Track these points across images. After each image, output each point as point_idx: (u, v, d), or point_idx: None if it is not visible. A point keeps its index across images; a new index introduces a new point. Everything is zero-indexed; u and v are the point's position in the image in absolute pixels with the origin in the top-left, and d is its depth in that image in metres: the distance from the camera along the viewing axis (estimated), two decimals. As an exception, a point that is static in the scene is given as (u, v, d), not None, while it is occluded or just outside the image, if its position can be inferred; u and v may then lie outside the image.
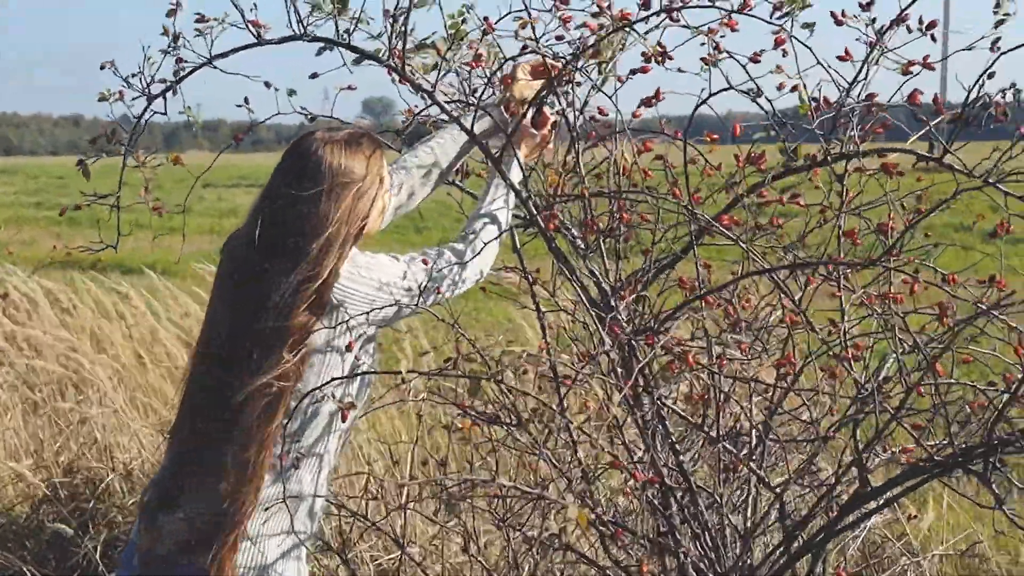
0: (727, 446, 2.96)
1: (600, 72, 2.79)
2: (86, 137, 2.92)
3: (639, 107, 2.83)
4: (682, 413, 3.06)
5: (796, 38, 2.56)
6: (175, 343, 6.89)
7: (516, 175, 2.85)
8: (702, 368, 2.92)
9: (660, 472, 2.81)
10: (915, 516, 4.38)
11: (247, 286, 2.54)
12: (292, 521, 2.57)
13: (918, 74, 2.56)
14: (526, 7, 2.72)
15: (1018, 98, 2.48)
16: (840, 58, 2.59)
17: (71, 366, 6.59)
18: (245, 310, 2.51)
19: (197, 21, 2.77)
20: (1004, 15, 2.47)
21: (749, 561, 2.95)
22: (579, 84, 2.89)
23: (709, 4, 2.57)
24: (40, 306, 7.29)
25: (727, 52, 2.62)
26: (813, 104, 2.62)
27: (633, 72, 2.80)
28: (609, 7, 2.71)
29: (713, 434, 2.95)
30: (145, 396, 6.36)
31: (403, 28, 2.76)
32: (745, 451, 3.01)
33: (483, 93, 2.92)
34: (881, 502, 2.76)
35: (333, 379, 2.54)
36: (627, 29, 2.66)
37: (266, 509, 2.53)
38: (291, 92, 2.92)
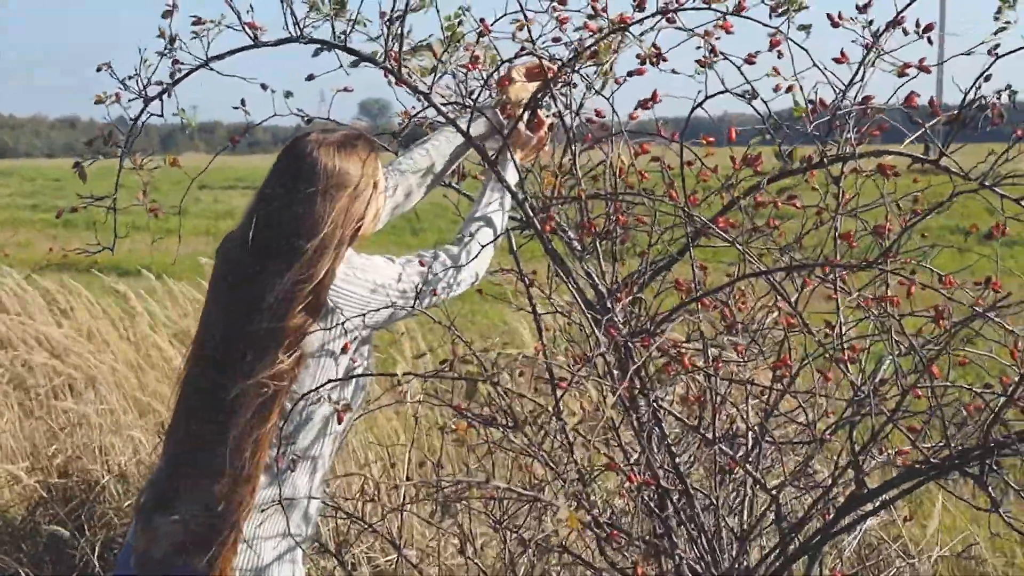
0: (723, 448, 2.96)
1: (600, 74, 2.79)
2: (83, 139, 2.91)
3: (636, 109, 2.83)
4: (678, 415, 3.06)
5: (792, 40, 2.57)
6: (172, 344, 6.88)
7: (512, 177, 2.86)
8: (698, 370, 2.92)
9: (656, 474, 2.81)
10: (910, 518, 4.38)
11: (241, 288, 2.54)
12: (284, 526, 2.57)
13: (915, 77, 2.56)
14: (522, 9, 2.72)
15: (1014, 100, 2.48)
16: (836, 60, 2.60)
17: (67, 368, 6.59)
18: (239, 312, 2.51)
19: (193, 23, 2.77)
20: (1005, 23, 2.48)
21: (745, 563, 2.95)
22: (575, 86, 2.89)
23: (705, 6, 2.57)
24: (36, 308, 7.28)
25: (722, 54, 2.63)
26: (809, 106, 2.62)
27: (631, 74, 2.80)
28: (605, 9, 2.71)
29: (709, 436, 2.95)
30: (145, 396, 6.35)
31: (400, 30, 2.76)
32: (741, 453, 3.01)
33: (479, 95, 2.92)
34: (877, 504, 2.76)
35: (329, 381, 2.53)
36: (625, 31, 2.66)
37: (262, 511, 2.53)
38: (288, 94, 2.92)
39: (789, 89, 2.61)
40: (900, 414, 2.63)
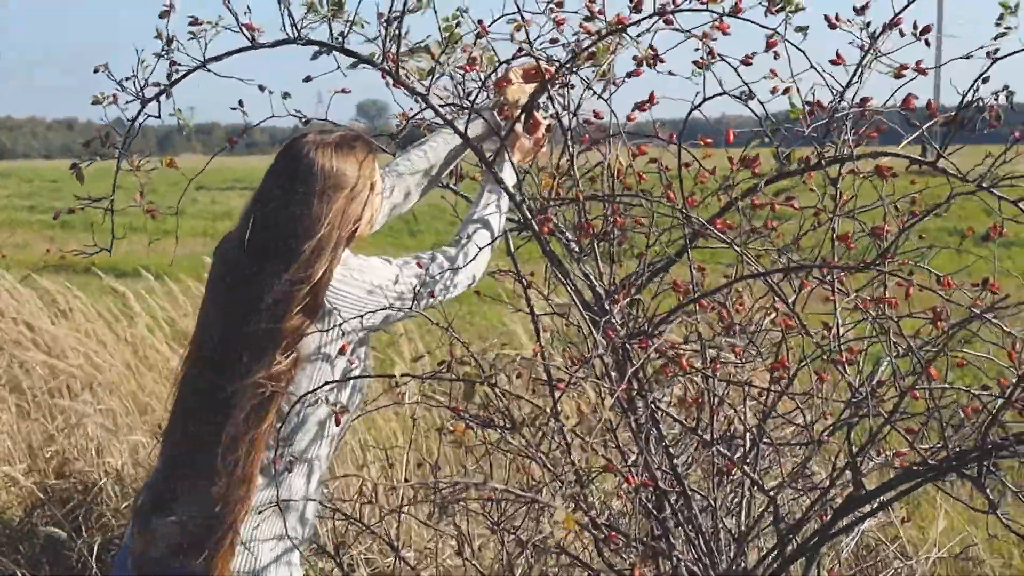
0: (721, 449, 2.96)
1: (602, 76, 2.79)
2: (80, 140, 2.91)
3: (633, 111, 2.83)
4: (676, 416, 3.06)
5: (789, 41, 2.57)
6: (170, 345, 6.88)
7: (510, 178, 2.85)
8: (696, 372, 2.92)
9: (654, 475, 2.80)
10: (907, 520, 4.37)
11: (239, 289, 2.54)
12: (281, 528, 2.57)
13: (913, 79, 2.56)
14: (519, 10, 2.72)
15: (1011, 102, 2.48)
16: (833, 62, 2.60)
17: (64, 369, 6.58)
18: (237, 313, 2.51)
19: (191, 24, 2.76)
20: (1006, 28, 2.48)
21: (743, 565, 2.95)
22: (572, 87, 2.89)
23: (702, 7, 2.57)
24: (33, 309, 7.27)
25: (719, 56, 2.63)
26: (806, 108, 2.62)
27: (629, 75, 2.80)
28: (601, 11, 2.71)
29: (707, 437, 2.95)
30: (143, 397, 6.35)
31: (397, 32, 2.76)
32: (739, 454, 3.01)
33: (477, 96, 2.92)
34: (875, 506, 2.76)
35: (326, 383, 2.53)
36: (622, 33, 2.66)
37: (259, 513, 2.53)
38: (285, 95, 2.92)
39: (786, 91, 2.61)
40: (898, 416, 2.63)
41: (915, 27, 2.54)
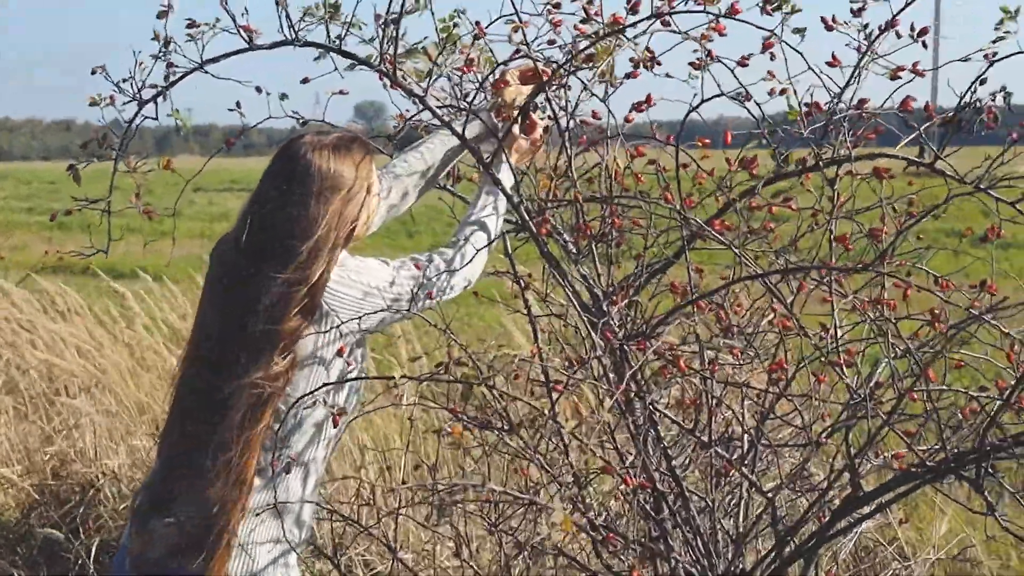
0: (719, 451, 2.96)
1: (602, 76, 2.79)
2: (78, 142, 2.90)
3: (631, 112, 2.83)
4: (674, 418, 3.06)
5: (787, 43, 2.56)
6: (168, 347, 6.87)
7: (507, 180, 2.85)
8: (694, 373, 2.92)
9: (652, 477, 2.80)
10: (905, 521, 4.38)
11: (236, 290, 2.54)
12: (278, 530, 2.57)
13: (910, 81, 2.56)
14: (516, 11, 2.72)
15: (1009, 103, 2.48)
16: (829, 64, 2.60)
17: (62, 370, 6.58)
18: (234, 314, 2.51)
19: (188, 26, 2.76)
20: (1005, 32, 2.48)
21: (741, 566, 2.94)
22: (569, 88, 2.89)
23: (699, 9, 2.57)
24: (29, 311, 7.27)
25: (716, 58, 2.63)
26: (804, 109, 2.62)
27: (627, 76, 2.80)
28: (598, 13, 2.71)
29: (705, 439, 2.95)
30: (141, 398, 6.34)
31: (395, 33, 2.76)
32: (736, 456, 3.01)
33: (475, 97, 2.92)
34: (873, 507, 2.76)
35: (324, 385, 2.53)
36: (620, 34, 2.66)
37: (256, 515, 2.53)
38: (283, 96, 2.92)
39: (782, 92, 2.61)
40: (896, 417, 2.63)
41: (912, 29, 2.54)
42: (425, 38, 2.88)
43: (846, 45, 2.60)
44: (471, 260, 2.75)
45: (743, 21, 2.58)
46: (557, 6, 2.78)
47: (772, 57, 2.59)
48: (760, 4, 2.58)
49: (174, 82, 2.82)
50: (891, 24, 2.54)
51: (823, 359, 2.79)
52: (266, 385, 2.45)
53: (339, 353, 2.54)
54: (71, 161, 2.87)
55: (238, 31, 2.75)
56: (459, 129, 2.82)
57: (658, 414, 2.92)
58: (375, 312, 2.57)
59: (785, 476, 3.01)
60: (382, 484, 4.83)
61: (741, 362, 3.02)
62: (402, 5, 2.75)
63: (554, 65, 2.78)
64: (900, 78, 2.57)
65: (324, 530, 4.32)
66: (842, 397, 2.87)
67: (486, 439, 3.08)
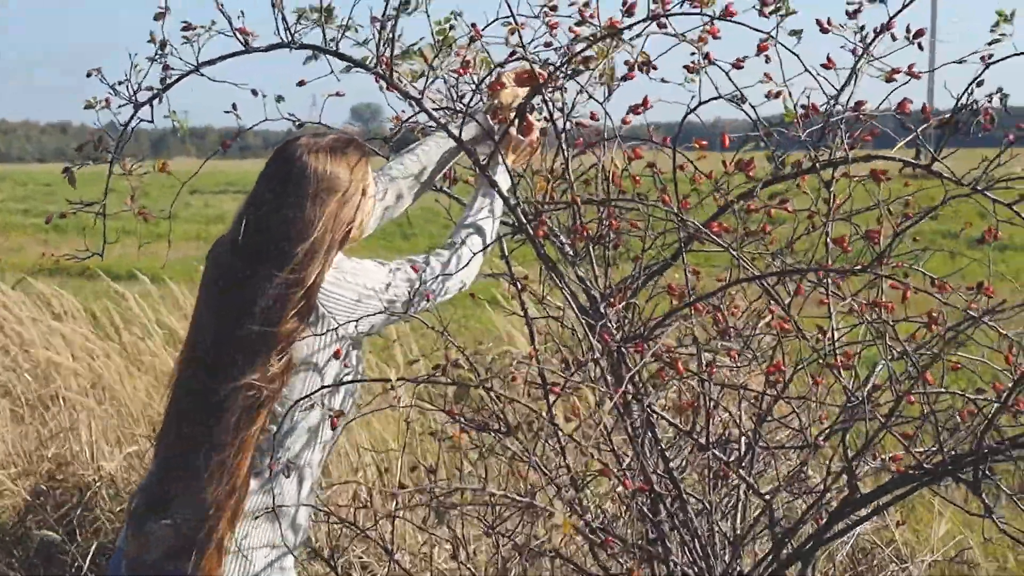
0: (716, 453, 2.96)
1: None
2: (74, 144, 2.90)
3: (627, 114, 2.83)
4: (671, 420, 3.05)
5: (783, 45, 2.56)
6: (165, 348, 6.86)
7: (504, 182, 2.85)
8: (691, 375, 2.92)
9: (649, 479, 2.80)
10: (902, 523, 4.38)
11: (232, 292, 2.53)
12: (274, 533, 2.57)
13: (906, 83, 2.56)
14: (512, 14, 2.72)
15: (1005, 105, 2.48)
16: (824, 66, 2.59)
17: (58, 372, 6.57)
18: (230, 316, 2.51)
19: (184, 29, 2.76)
20: (1001, 35, 2.48)
21: (739, 568, 2.94)
22: (566, 91, 2.89)
23: (695, 11, 2.57)
24: (25, 314, 7.26)
25: (711, 61, 2.62)
26: (800, 111, 2.62)
27: (624, 78, 2.80)
28: (593, 16, 2.70)
29: (702, 441, 2.95)
30: (140, 400, 6.33)
31: (391, 35, 2.76)
32: (733, 457, 3.00)
33: (471, 99, 2.92)
34: (871, 510, 2.75)
35: (322, 387, 2.53)
36: (617, 36, 2.65)
37: (251, 519, 2.53)
38: (279, 98, 2.91)
39: (778, 95, 2.61)
40: (893, 420, 2.63)
41: (908, 31, 2.54)
42: (421, 39, 2.88)
43: (841, 47, 2.60)
44: (467, 263, 2.75)
45: (739, 23, 2.58)
46: (554, 8, 2.78)
47: (767, 60, 2.59)
48: (757, 7, 2.57)
49: (170, 85, 2.82)
50: (887, 27, 2.54)
51: (821, 361, 2.79)
52: (262, 387, 2.44)
53: (336, 355, 2.53)
54: (67, 163, 2.87)
55: (234, 34, 2.75)
56: (455, 131, 2.81)
57: (655, 416, 2.92)
58: (371, 314, 2.57)
59: (783, 478, 3.01)
60: (380, 486, 4.82)
61: (738, 364, 3.02)
62: (398, 7, 2.75)
63: (550, 68, 2.78)
64: (895, 80, 2.57)
65: (321, 532, 4.32)
66: (839, 399, 2.87)
67: (483, 441, 3.08)
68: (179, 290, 7.39)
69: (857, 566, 4.04)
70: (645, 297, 2.99)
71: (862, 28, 2.58)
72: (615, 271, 2.99)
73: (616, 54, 2.75)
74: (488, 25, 2.78)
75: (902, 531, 4.39)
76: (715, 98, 2.64)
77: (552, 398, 2.75)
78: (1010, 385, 2.42)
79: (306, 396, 2.50)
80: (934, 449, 2.58)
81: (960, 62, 2.52)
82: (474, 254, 2.76)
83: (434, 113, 2.87)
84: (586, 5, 2.72)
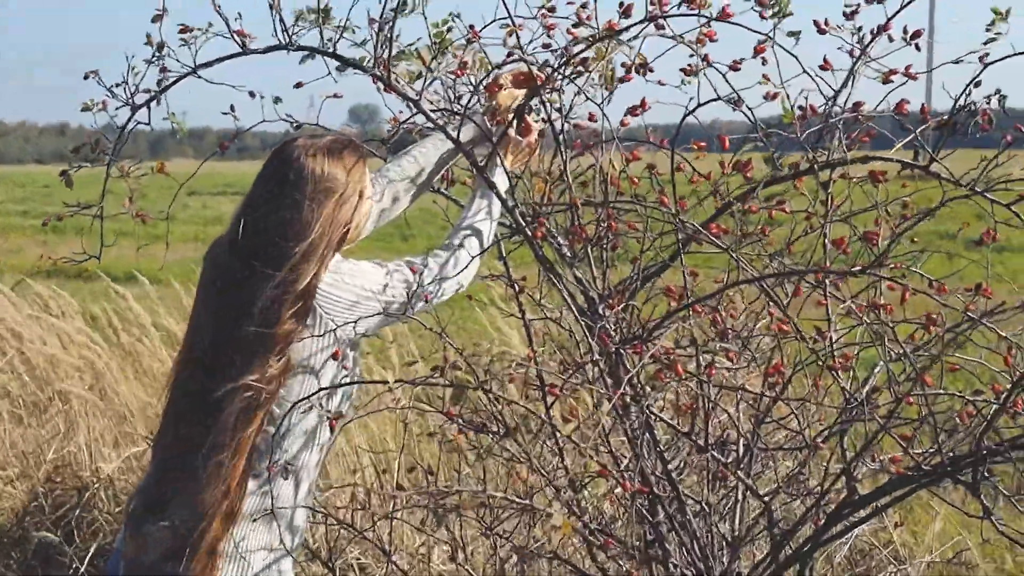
0: (715, 454, 2.96)
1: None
2: (72, 146, 2.90)
3: (625, 116, 2.82)
4: (669, 422, 3.05)
5: (781, 46, 2.56)
6: (163, 350, 6.86)
7: (502, 183, 2.85)
8: (690, 376, 2.92)
9: (648, 481, 2.80)
10: (900, 524, 4.38)
11: (230, 293, 2.53)
12: (272, 534, 2.56)
13: (903, 84, 2.56)
14: (509, 15, 2.72)
15: (1004, 106, 2.48)
16: (821, 67, 2.59)
17: (57, 374, 6.57)
18: (228, 317, 2.51)
19: (181, 31, 2.75)
20: (996, 34, 2.48)
21: (737, 570, 2.94)
22: (563, 92, 2.89)
23: (693, 13, 2.56)
24: (24, 315, 7.25)
25: (710, 63, 2.62)
26: (799, 113, 2.62)
27: (621, 80, 2.80)
28: (589, 18, 2.70)
29: (701, 442, 2.95)
30: (138, 402, 6.33)
31: (388, 36, 2.75)
32: (732, 459, 3.00)
33: (469, 101, 2.92)
34: (869, 511, 2.75)
35: (320, 390, 2.53)
36: (615, 38, 2.65)
37: (248, 521, 2.53)
38: (277, 100, 2.91)
39: (774, 97, 2.61)
40: (892, 421, 2.63)
41: (905, 32, 2.54)
42: (418, 39, 2.88)
43: (838, 48, 2.60)
44: (465, 265, 2.75)
45: (737, 24, 2.58)
46: (552, 10, 2.78)
47: (764, 62, 2.58)
48: (757, 10, 2.57)
49: (167, 87, 2.82)
50: (884, 28, 2.54)
51: (819, 363, 2.78)
52: (260, 389, 2.44)
53: (334, 356, 2.53)
54: (65, 165, 2.87)
55: (232, 35, 2.75)
56: (453, 133, 2.81)
57: (654, 417, 2.92)
58: (368, 316, 2.57)
59: (782, 479, 3.01)
60: (378, 488, 4.82)
61: (737, 366, 3.01)
62: (396, 7, 2.75)
63: (548, 69, 2.78)
64: (892, 82, 2.57)
65: (319, 534, 4.31)
66: (837, 400, 2.87)
67: (481, 442, 3.08)
68: (181, 290, 7.38)
69: (855, 567, 4.04)
70: (642, 299, 2.99)
71: (859, 29, 2.57)
72: (613, 273, 2.99)
73: (615, 56, 2.75)
74: (486, 26, 2.78)
75: (900, 532, 4.39)
76: (713, 100, 2.64)
77: (550, 399, 2.75)
78: (1008, 386, 2.42)
79: (306, 398, 2.50)
80: (932, 450, 2.58)
81: (957, 62, 2.52)
82: (472, 257, 2.76)
83: (432, 114, 2.86)
84: (583, 7, 2.72)
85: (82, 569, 4.88)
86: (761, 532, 3.05)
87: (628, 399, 2.82)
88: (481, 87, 2.88)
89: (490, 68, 2.87)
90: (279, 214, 2.51)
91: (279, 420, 2.50)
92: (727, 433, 3.10)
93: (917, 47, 2.55)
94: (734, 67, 2.60)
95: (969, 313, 2.60)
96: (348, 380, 2.62)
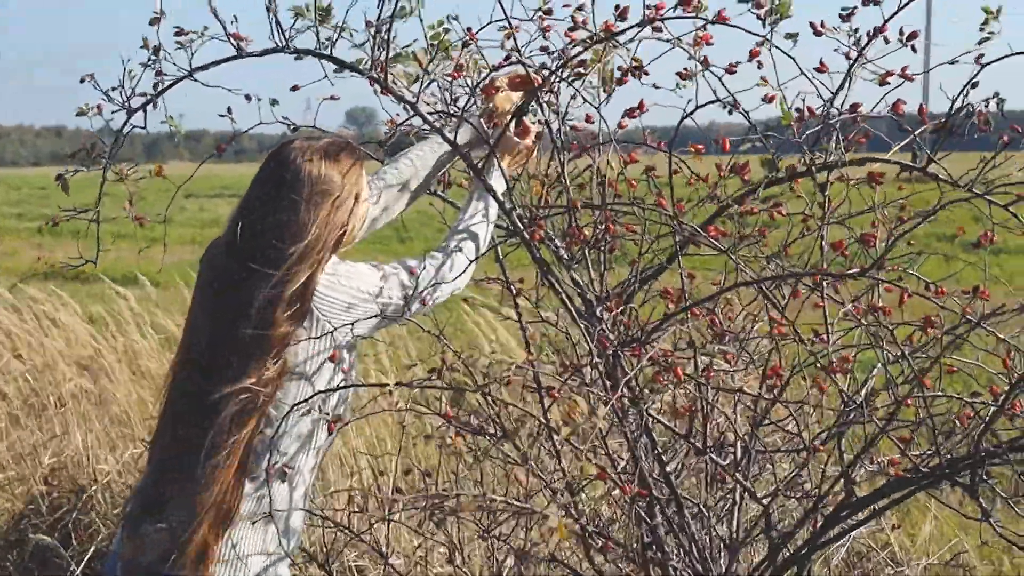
0: (713, 457, 2.95)
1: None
2: (68, 149, 2.89)
3: (623, 118, 2.82)
4: (667, 423, 3.05)
5: (779, 48, 2.56)
6: (161, 351, 6.86)
7: (499, 185, 2.85)
8: (689, 379, 2.92)
9: (646, 483, 2.80)
10: (898, 526, 4.38)
11: (226, 294, 2.53)
12: (268, 537, 2.56)
13: (900, 85, 2.56)
14: (507, 17, 2.71)
15: (1001, 107, 2.48)
16: (818, 69, 2.59)
17: (54, 376, 6.56)
18: (224, 318, 2.51)
19: (176, 34, 2.75)
20: (989, 33, 2.48)
21: (735, 572, 2.94)
22: (559, 94, 2.88)
23: (690, 15, 2.56)
24: (20, 318, 7.25)
25: (708, 66, 2.62)
26: (796, 114, 2.61)
27: (618, 83, 2.80)
28: (585, 22, 2.70)
29: (699, 444, 2.94)
30: (136, 403, 6.33)
31: (385, 39, 2.75)
32: (730, 461, 3.00)
33: (466, 103, 2.91)
34: (867, 514, 2.75)
35: (318, 392, 2.52)
36: (612, 40, 2.65)
37: (243, 523, 2.52)
38: (273, 102, 2.90)
39: (771, 99, 2.61)
40: (891, 424, 2.63)
41: (901, 33, 2.54)
42: (415, 41, 2.87)
43: (835, 50, 2.59)
44: (463, 269, 2.74)
45: (734, 27, 2.57)
46: (548, 12, 2.77)
47: (760, 65, 2.58)
48: (755, 12, 2.57)
49: (163, 90, 2.81)
50: (880, 30, 2.54)
51: (817, 365, 2.78)
52: (257, 391, 2.44)
53: (331, 359, 2.53)
54: (62, 167, 2.87)
55: (228, 38, 2.74)
56: (450, 135, 2.81)
57: (652, 420, 2.91)
58: (365, 318, 2.56)
59: (780, 482, 3.01)
60: (375, 491, 4.82)
61: (735, 368, 3.01)
62: (393, 10, 2.74)
63: (545, 72, 2.77)
64: (889, 84, 2.57)
65: (315, 536, 4.31)
66: (835, 403, 2.87)
67: (479, 445, 3.07)
68: (186, 290, 7.37)
69: (853, 570, 4.04)
70: (639, 301, 2.98)
71: (855, 31, 2.57)
72: (611, 275, 2.99)
73: (612, 58, 2.74)
74: (482, 28, 2.77)
75: (897, 534, 4.39)
76: (711, 102, 2.64)
77: (548, 402, 2.75)
78: (1007, 388, 2.42)
79: (304, 401, 2.50)
80: (930, 452, 2.58)
81: (952, 63, 2.52)
82: (469, 261, 2.76)
83: (428, 117, 2.86)
84: (579, 9, 2.72)
85: (79, 571, 4.87)
86: (759, 534, 3.04)
87: (626, 401, 2.82)
88: (478, 89, 2.88)
89: (488, 70, 2.86)
90: (276, 216, 2.51)
91: (278, 424, 2.50)
92: (725, 435, 3.10)
93: (913, 48, 2.55)
94: (730, 70, 2.60)
95: (967, 315, 2.60)
96: (345, 383, 2.62)
